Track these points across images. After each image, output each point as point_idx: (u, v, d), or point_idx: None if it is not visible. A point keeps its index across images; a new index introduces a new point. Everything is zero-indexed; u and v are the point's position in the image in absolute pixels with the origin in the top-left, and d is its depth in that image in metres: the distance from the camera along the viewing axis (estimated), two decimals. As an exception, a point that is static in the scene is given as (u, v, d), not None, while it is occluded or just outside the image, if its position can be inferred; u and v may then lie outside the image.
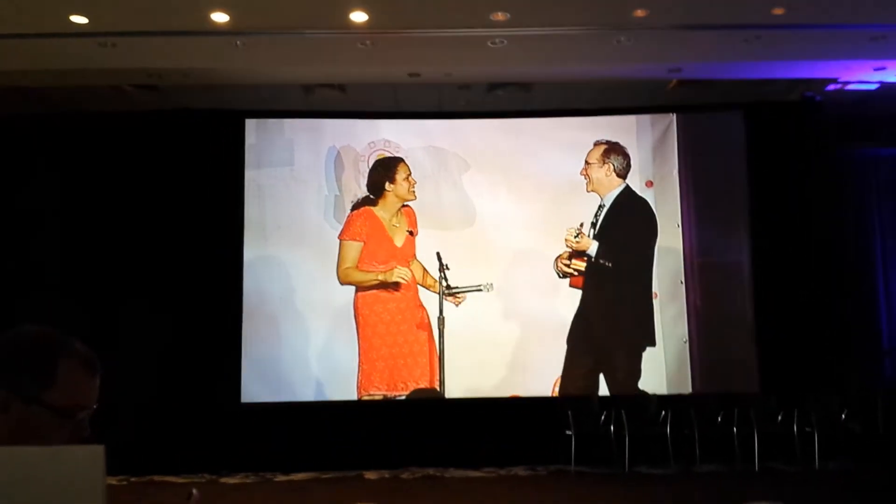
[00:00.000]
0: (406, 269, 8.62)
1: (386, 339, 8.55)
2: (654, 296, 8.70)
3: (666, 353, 8.60)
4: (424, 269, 8.66)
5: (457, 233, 8.77)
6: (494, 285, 8.58)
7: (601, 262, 8.67)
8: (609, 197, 8.80)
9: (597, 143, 8.88)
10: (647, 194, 8.85)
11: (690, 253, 8.77)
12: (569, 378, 8.54)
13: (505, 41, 6.98)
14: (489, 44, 7.02)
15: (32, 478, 0.97)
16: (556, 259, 8.71)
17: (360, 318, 8.57)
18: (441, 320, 8.49)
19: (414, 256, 8.69)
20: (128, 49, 7.00)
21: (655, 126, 8.95)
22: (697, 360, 8.59)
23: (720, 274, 8.79)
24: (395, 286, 8.59)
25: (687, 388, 8.51)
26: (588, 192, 8.81)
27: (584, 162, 8.84)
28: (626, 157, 8.85)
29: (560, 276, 8.70)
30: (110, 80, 7.89)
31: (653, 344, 8.59)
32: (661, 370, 8.56)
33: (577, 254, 8.70)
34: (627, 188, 8.83)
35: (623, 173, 8.83)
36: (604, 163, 8.81)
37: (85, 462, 1.00)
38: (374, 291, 8.61)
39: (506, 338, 8.63)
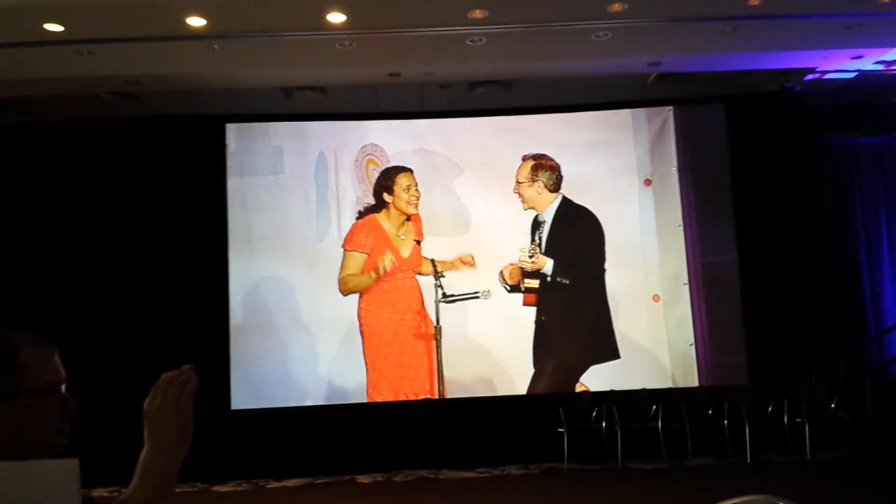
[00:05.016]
0: (389, 255, 8.48)
1: (393, 348, 8.45)
2: (655, 299, 8.60)
3: (672, 357, 8.51)
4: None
5: (452, 239, 8.65)
6: (491, 292, 8.46)
7: (558, 279, 8.55)
8: (549, 212, 8.66)
9: (525, 158, 8.72)
10: (645, 193, 8.75)
11: (693, 253, 8.66)
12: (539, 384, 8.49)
13: (484, 39, 6.95)
14: (468, 42, 6.99)
15: (5, 494, 0.95)
16: (501, 272, 8.54)
17: (365, 326, 8.48)
18: (438, 329, 8.35)
19: (420, 266, 8.59)
20: (104, 56, 6.92)
21: (652, 122, 8.86)
22: (703, 361, 8.50)
23: (719, 271, 8.67)
24: (395, 287, 8.47)
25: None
26: (525, 210, 8.67)
27: (514, 180, 8.69)
28: (555, 169, 8.69)
29: (508, 290, 8.55)
30: (88, 87, 7.80)
31: (616, 357, 8.46)
32: (667, 375, 8.49)
33: (531, 273, 8.57)
34: (564, 200, 8.68)
35: (555, 187, 8.67)
36: (533, 181, 8.66)
37: (60, 476, 0.98)
38: (376, 297, 8.48)
39: (503, 344, 8.53)
